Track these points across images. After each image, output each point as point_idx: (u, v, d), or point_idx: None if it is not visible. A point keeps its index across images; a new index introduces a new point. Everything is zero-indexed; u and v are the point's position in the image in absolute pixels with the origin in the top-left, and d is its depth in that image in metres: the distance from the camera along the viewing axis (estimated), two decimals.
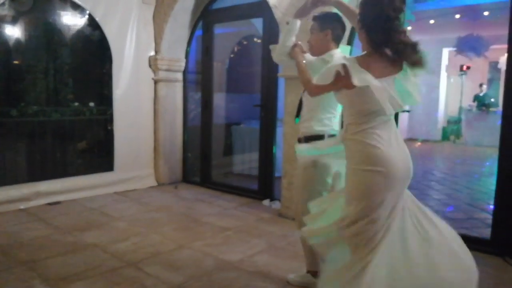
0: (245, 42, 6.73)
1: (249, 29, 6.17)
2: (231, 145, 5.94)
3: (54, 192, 4.20)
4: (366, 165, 1.68)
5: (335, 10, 2.28)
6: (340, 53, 2.28)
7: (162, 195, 4.66)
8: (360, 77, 1.63)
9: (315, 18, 2.34)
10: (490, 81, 11.21)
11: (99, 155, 4.74)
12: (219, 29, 5.27)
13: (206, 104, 5.10)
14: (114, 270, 2.66)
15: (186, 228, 3.54)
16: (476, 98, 9.90)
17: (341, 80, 1.66)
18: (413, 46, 1.66)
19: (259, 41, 5.44)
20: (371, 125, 1.70)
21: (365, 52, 1.76)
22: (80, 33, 4.44)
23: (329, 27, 2.28)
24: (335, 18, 2.32)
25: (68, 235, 3.29)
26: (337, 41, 2.33)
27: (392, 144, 1.71)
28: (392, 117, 1.77)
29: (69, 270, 2.64)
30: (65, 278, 2.53)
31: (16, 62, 4.11)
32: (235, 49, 6.71)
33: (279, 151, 4.30)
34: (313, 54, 2.35)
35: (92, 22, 4.46)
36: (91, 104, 4.62)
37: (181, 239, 3.26)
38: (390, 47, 1.68)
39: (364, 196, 1.68)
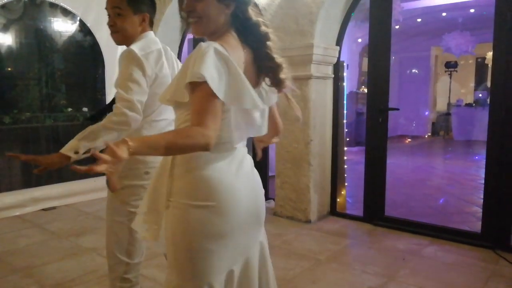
0: None
1: None
2: None
3: (50, 197, 4.20)
4: (192, 199, 1.16)
5: None
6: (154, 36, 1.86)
7: None
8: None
9: None
10: (478, 77, 11.39)
11: (94, 159, 4.73)
12: None
13: None
14: None
15: None
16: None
17: None
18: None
19: None
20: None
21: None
22: (71, 39, 4.45)
23: (144, 10, 1.83)
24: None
25: (64, 240, 3.29)
26: (151, 25, 1.92)
27: (234, 174, 1.22)
28: (238, 147, 1.25)
29: (66, 276, 2.64)
30: (62, 284, 2.53)
31: (8, 69, 4.11)
32: None
33: (272, 151, 4.35)
34: (120, 41, 1.84)
35: (84, 28, 4.47)
36: (85, 109, 4.63)
37: None
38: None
39: (188, 250, 1.15)
